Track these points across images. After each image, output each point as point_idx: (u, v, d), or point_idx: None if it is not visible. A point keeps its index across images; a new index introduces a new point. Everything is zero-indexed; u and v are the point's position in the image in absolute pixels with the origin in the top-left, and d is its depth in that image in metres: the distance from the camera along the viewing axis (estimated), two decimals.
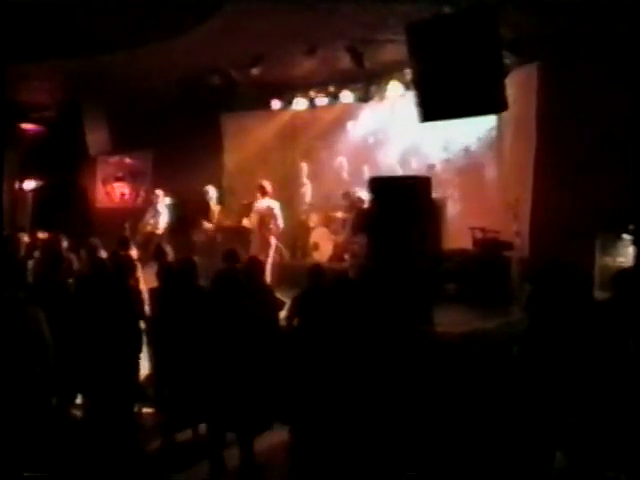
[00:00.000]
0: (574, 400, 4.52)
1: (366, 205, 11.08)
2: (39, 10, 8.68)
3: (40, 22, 9.17)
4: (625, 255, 8.60)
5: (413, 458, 5.26)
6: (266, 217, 11.83)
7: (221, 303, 5.99)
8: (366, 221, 10.59)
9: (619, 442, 4.30)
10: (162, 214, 12.85)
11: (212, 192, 12.90)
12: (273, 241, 11.80)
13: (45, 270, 7.60)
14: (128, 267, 7.18)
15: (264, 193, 12.03)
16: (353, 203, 11.86)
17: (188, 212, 12.94)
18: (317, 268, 6.77)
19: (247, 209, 13.03)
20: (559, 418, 4.55)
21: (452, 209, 12.24)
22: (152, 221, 12.76)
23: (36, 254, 9.40)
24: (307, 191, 14.25)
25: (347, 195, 12.23)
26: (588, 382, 4.53)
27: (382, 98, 12.89)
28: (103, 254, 8.44)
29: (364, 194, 11.18)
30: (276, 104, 13.82)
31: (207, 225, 12.56)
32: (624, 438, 4.29)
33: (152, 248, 9.61)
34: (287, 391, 5.98)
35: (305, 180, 14.35)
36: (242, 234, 12.22)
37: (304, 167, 14.36)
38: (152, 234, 12.35)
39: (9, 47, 9.79)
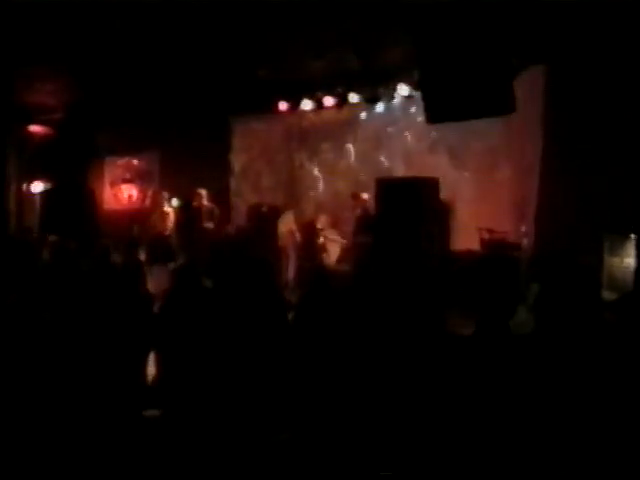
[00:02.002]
0: (578, 403, 4.52)
1: (370, 206, 11.29)
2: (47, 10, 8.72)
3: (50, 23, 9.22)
4: (633, 256, 8.57)
5: (417, 459, 5.26)
6: None
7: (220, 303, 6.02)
8: (371, 222, 10.70)
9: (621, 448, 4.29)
10: (169, 215, 12.91)
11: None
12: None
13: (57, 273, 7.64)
14: (139, 269, 7.23)
15: None
16: (361, 204, 11.93)
17: (195, 213, 13.00)
18: (320, 271, 6.80)
19: (253, 210, 13.12)
20: (563, 423, 4.55)
21: (460, 210, 12.25)
22: (159, 222, 12.81)
23: (45, 256, 9.46)
24: (315, 193, 14.34)
25: (355, 196, 12.25)
26: (594, 384, 4.52)
27: (390, 99, 12.91)
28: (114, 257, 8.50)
29: (367, 195, 11.41)
30: (283, 105, 13.83)
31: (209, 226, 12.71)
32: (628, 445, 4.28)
33: (160, 250, 9.66)
34: (292, 394, 5.98)
35: (312, 182, 14.42)
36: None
37: (311, 168, 14.43)
38: (160, 235, 12.39)
39: (19, 49, 9.84)
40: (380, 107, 13.27)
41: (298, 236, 12.72)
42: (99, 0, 8.61)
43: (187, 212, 13.02)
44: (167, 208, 13.05)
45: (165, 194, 13.39)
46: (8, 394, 4.96)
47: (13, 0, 8.44)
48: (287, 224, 12.78)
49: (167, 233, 12.53)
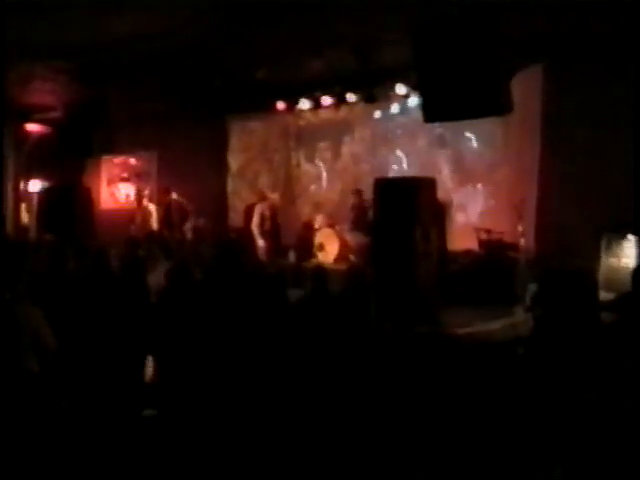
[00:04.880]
0: (577, 405, 4.51)
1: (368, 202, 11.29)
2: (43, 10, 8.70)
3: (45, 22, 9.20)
4: (630, 256, 8.57)
5: (414, 460, 5.25)
6: None
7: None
8: (365, 220, 10.74)
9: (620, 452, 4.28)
10: (152, 213, 12.96)
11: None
12: None
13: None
14: (140, 268, 7.23)
15: None
16: (360, 201, 11.93)
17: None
18: (320, 270, 6.81)
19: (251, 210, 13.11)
20: (561, 423, 4.53)
21: (457, 210, 12.28)
22: (143, 221, 12.87)
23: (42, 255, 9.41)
24: (312, 192, 14.36)
25: (357, 193, 12.20)
26: (592, 383, 4.51)
27: (387, 99, 12.90)
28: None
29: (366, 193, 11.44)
30: (281, 105, 13.81)
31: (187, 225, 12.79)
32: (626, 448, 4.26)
33: (154, 247, 9.65)
34: (288, 393, 5.97)
35: (310, 181, 14.44)
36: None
37: (309, 168, 14.44)
38: (154, 233, 12.40)
39: (17, 47, 9.81)
40: (378, 107, 13.26)
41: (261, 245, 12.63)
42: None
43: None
44: (150, 206, 13.08)
45: (146, 192, 13.47)
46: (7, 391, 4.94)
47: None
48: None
49: (153, 230, 12.55)
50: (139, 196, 13.57)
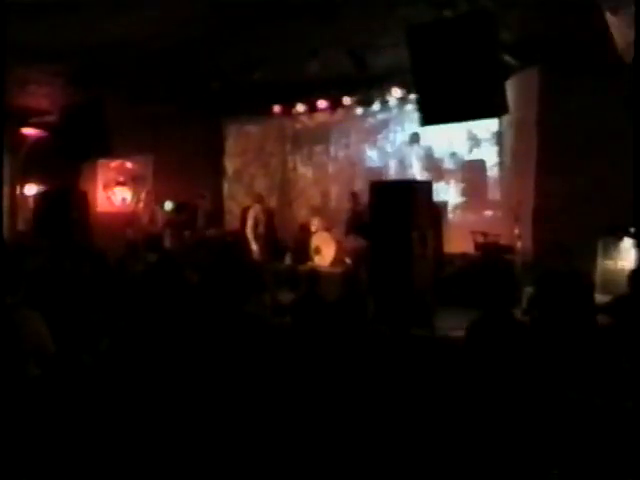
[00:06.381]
0: (573, 407, 4.51)
1: (362, 206, 11.33)
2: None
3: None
4: (627, 258, 8.58)
5: (411, 463, 5.25)
6: None
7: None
8: (361, 222, 10.73)
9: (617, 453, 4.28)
10: (158, 215, 13.03)
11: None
12: None
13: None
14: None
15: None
16: (356, 204, 11.91)
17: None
18: (312, 273, 6.84)
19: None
20: (557, 425, 4.53)
21: (453, 213, 12.30)
22: (151, 223, 12.92)
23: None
24: (308, 195, 14.35)
25: (353, 196, 12.19)
26: (588, 387, 4.52)
27: (383, 102, 12.92)
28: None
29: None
30: (277, 108, 13.83)
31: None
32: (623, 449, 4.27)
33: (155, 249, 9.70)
34: (283, 396, 5.96)
35: (306, 184, 14.43)
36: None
37: (305, 171, 14.45)
38: (154, 235, 12.43)
39: (13, 51, 9.81)
40: (374, 109, 13.29)
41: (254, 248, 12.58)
42: (94, 2, 8.58)
43: (180, 214, 13.08)
44: (157, 208, 13.18)
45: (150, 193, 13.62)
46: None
47: (7, 1, 8.40)
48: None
49: (157, 233, 12.59)
50: (148, 199, 13.63)
